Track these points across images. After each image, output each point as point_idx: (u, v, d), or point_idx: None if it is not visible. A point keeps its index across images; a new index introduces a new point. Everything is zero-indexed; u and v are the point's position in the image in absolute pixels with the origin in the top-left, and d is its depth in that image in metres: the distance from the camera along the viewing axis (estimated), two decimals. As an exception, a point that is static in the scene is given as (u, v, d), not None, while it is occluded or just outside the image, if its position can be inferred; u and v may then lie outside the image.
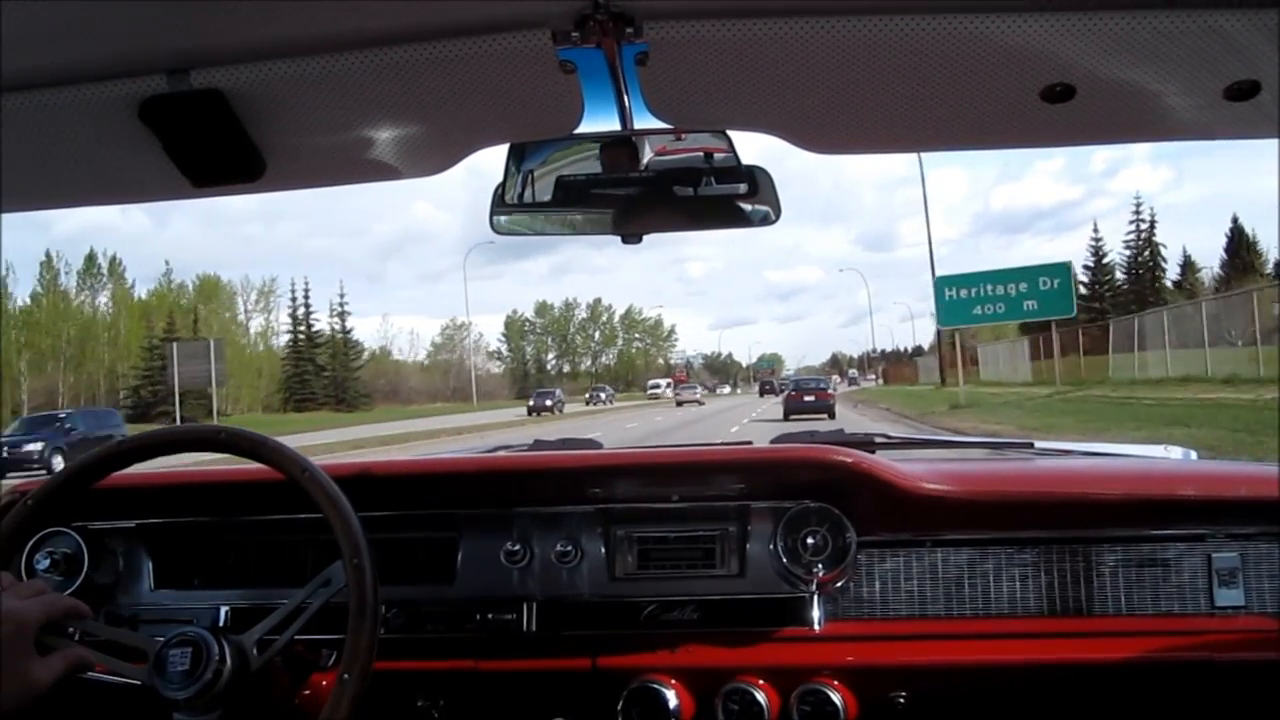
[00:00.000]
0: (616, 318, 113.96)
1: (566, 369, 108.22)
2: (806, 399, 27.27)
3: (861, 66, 0.91)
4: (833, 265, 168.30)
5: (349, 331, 73.12)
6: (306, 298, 69.99)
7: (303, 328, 68.95)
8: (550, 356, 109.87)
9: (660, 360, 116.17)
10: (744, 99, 1.00)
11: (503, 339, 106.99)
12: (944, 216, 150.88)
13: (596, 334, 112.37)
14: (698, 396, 57.99)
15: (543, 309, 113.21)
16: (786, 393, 29.89)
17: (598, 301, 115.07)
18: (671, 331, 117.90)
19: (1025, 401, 23.04)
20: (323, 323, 71.12)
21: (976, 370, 43.78)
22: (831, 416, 24.71)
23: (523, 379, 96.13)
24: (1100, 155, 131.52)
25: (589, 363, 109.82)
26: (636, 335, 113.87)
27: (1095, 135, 1.06)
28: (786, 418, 24.65)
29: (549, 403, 46.42)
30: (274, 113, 0.98)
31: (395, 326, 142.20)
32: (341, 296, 74.66)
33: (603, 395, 64.18)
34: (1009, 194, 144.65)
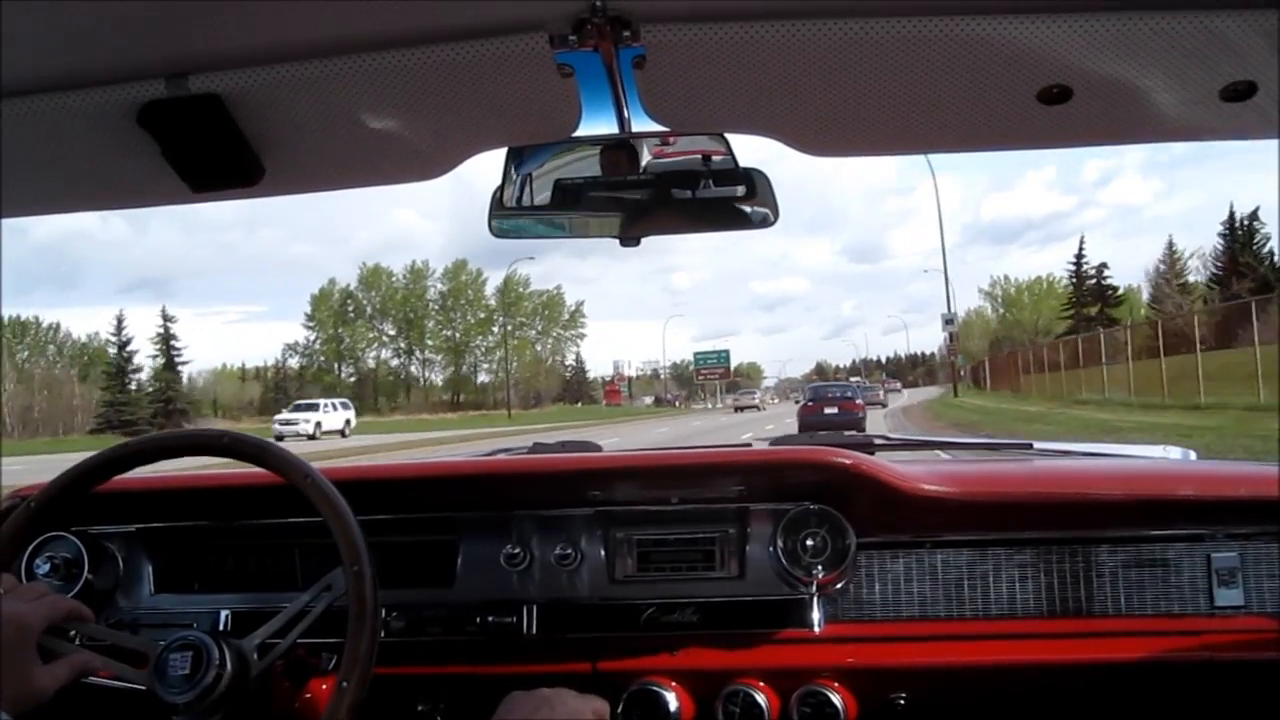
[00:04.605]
0: (490, 288, 73.48)
1: (415, 369, 74.19)
2: (828, 411, 21.70)
3: (858, 69, 0.92)
4: (819, 277, 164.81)
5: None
6: None
7: None
8: (385, 353, 73.18)
9: (570, 357, 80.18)
10: (741, 102, 1.01)
11: (307, 323, 70.98)
12: (933, 227, 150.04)
13: (460, 318, 73.08)
14: (755, 401, 55.61)
15: (373, 278, 72.03)
16: (803, 403, 24.66)
17: (460, 265, 72.80)
18: (577, 311, 79.18)
19: None
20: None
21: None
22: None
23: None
24: (1093, 165, 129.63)
25: (444, 362, 73.66)
26: (522, 318, 74.52)
27: (1091, 136, 1.07)
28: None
29: None
30: (272, 117, 0.98)
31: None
32: None
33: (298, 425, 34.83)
34: (999, 204, 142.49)
